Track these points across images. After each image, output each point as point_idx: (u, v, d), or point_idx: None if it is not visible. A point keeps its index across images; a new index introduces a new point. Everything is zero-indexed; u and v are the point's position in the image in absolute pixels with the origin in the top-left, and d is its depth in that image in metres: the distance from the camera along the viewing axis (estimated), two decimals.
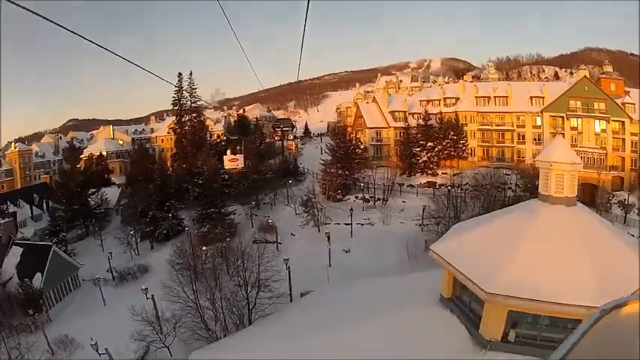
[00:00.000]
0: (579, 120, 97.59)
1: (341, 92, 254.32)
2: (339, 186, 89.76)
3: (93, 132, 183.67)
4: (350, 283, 52.83)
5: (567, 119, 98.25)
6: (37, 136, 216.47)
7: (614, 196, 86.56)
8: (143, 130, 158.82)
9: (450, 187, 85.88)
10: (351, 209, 78.49)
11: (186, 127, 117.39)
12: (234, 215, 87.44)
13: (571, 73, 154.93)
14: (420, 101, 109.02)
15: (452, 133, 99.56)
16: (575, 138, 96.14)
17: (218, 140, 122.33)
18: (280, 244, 75.90)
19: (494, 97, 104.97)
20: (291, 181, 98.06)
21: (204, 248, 66.72)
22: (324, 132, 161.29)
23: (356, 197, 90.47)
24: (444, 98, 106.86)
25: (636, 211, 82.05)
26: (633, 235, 70.74)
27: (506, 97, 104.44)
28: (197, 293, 48.72)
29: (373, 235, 75.65)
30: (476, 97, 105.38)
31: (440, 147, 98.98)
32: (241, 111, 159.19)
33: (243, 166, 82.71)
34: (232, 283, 51.52)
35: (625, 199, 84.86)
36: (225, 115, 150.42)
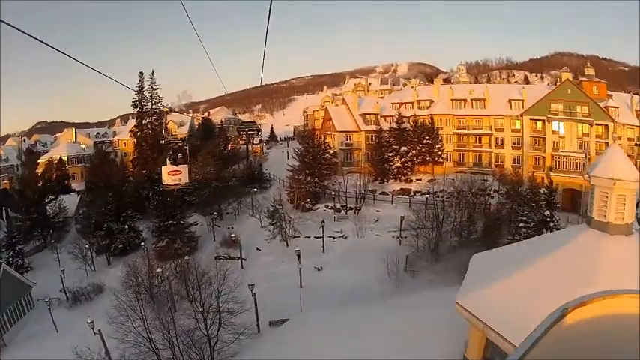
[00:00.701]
0: (561, 124, 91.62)
1: (307, 96, 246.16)
2: (307, 194, 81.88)
3: (58, 135, 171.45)
4: (328, 313, 44.88)
5: (548, 123, 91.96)
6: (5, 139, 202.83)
7: None
8: (106, 133, 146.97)
9: (428, 195, 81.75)
10: (322, 222, 70.84)
11: (147, 131, 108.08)
12: (195, 227, 79.60)
13: (541, 78, 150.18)
14: (393, 104, 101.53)
15: (427, 138, 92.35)
16: (556, 142, 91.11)
17: (180, 145, 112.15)
18: (245, 259, 67.85)
19: (471, 99, 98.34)
20: (255, 190, 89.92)
21: (158, 270, 58.56)
22: (290, 136, 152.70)
23: (326, 206, 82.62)
24: (418, 101, 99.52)
25: None
26: None
27: (484, 99, 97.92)
28: (150, 329, 40.57)
29: (347, 250, 68.46)
30: (451, 99, 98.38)
31: (414, 152, 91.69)
32: (206, 114, 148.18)
33: (187, 181, 73.02)
34: (192, 315, 43.47)
35: None
36: (192, 116, 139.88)
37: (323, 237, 68.75)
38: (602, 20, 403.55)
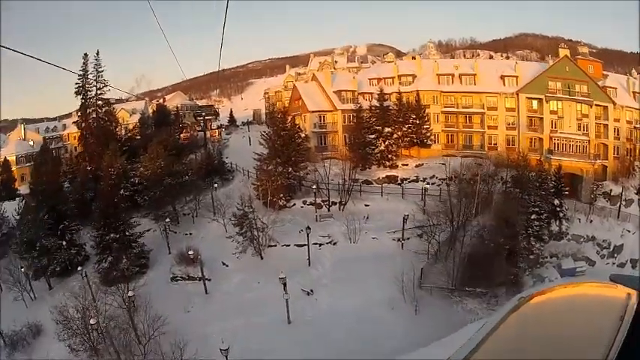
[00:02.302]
0: (560, 103, 78.32)
1: (265, 79, 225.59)
2: (280, 188, 64.40)
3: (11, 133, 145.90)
4: None
5: (547, 102, 78.35)
6: None
7: (598, 186, 72.81)
8: (55, 127, 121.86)
9: (425, 184, 68.69)
10: (308, 228, 53.29)
11: (91, 121, 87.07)
12: (145, 236, 62.61)
13: (507, 58, 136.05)
14: (370, 79, 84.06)
15: (413, 117, 76.24)
16: (555, 123, 77.96)
17: (130, 135, 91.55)
18: (209, 280, 49.59)
19: (460, 75, 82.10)
20: (216, 184, 71.93)
21: (92, 321, 40.77)
22: (249, 120, 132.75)
23: (304, 202, 66.28)
24: (399, 76, 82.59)
25: (624, 203, 68.78)
26: (629, 232, 63.09)
27: (474, 75, 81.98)
28: None
29: (340, 261, 52.59)
30: (437, 74, 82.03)
31: (399, 133, 75.51)
32: (161, 100, 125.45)
33: None
34: None
35: (610, 190, 72.15)
36: (145, 102, 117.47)
37: (308, 245, 50.46)
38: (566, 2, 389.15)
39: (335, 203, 64.87)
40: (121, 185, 70.23)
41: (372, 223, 59.76)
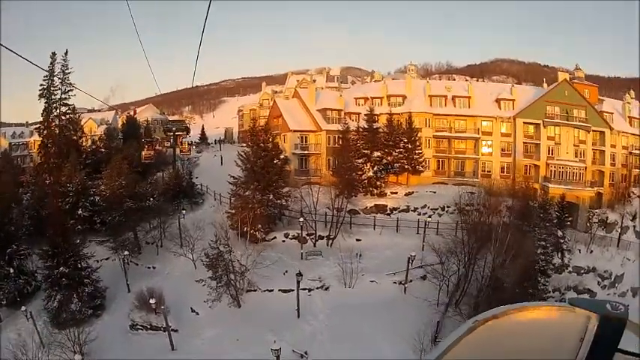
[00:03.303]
0: (557, 129, 71.85)
1: (238, 97, 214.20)
2: (259, 218, 53.99)
3: None
4: None
5: (544, 127, 71.57)
6: None
7: (594, 214, 66.99)
8: (22, 133, 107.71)
9: (419, 214, 61.84)
10: (299, 274, 42.97)
11: (53, 127, 75.31)
12: (100, 268, 52.11)
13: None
14: (357, 99, 75.28)
15: (405, 141, 67.34)
16: (552, 149, 71.41)
17: (95, 147, 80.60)
18: (175, 331, 39.90)
19: (453, 97, 74.09)
20: (184, 210, 61.70)
21: None
22: (222, 138, 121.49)
23: (286, 235, 56.60)
24: (389, 96, 73.84)
25: (618, 230, 63.63)
26: (629, 260, 57.72)
27: (468, 97, 74.32)
28: None
29: (336, 311, 43.81)
30: (430, 95, 73.86)
31: (390, 158, 66.83)
32: (132, 113, 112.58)
33: None
34: None
35: (606, 218, 66.26)
36: (115, 112, 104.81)
37: (297, 294, 40.50)
38: (539, 28, 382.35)
39: (322, 237, 55.68)
40: (79, 204, 60.06)
41: (366, 261, 50.92)
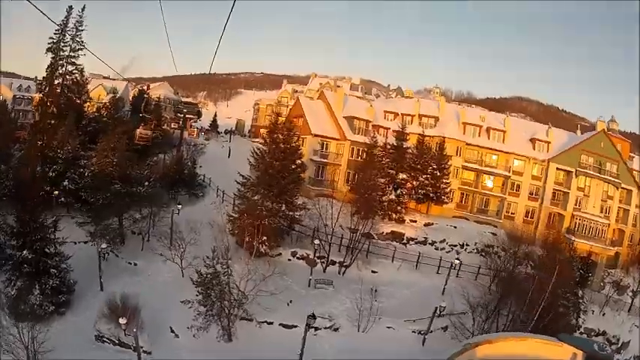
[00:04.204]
0: (588, 180, 61.33)
1: (255, 91, 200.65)
2: (267, 230, 40.99)
3: None
4: None
5: (576, 176, 60.82)
6: None
7: (608, 274, 58.01)
8: (29, 87, 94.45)
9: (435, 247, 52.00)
10: (312, 317, 28.82)
11: (56, 85, 61.27)
12: (74, 253, 39.17)
13: None
14: (386, 112, 62.63)
15: (433, 166, 55.35)
16: (580, 200, 60.77)
17: (98, 115, 65.71)
18: (148, 353, 30.34)
19: (488, 128, 62.26)
20: (180, 205, 47.19)
21: None
22: (232, 129, 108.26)
23: (294, 254, 43.91)
24: (421, 115, 61.36)
25: (630, 294, 55.39)
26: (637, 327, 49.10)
27: (503, 131, 62.36)
28: None
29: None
30: (464, 122, 61.61)
31: (415, 183, 54.86)
32: (145, 88, 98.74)
33: None
34: None
35: (620, 279, 56.71)
36: (127, 83, 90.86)
37: (304, 339, 28.10)
38: (563, 72, 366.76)
39: (334, 263, 43.42)
40: (66, 174, 47.96)
41: (382, 300, 38.70)
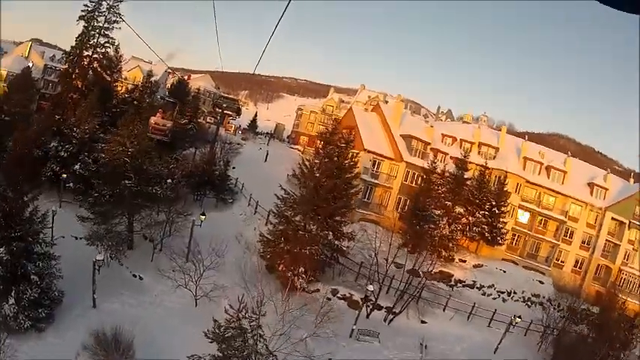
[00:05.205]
0: (639, 233, 47.41)
1: (297, 97, 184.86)
2: (308, 260, 27.63)
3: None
4: None
5: (629, 228, 47.21)
6: None
7: None
8: (61, 58, 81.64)
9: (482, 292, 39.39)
10: None
11: (85, 57, 47.97)
12: (60, 256, 25.35)
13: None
14: (444, 136, 48.72)
15: (493, 202, 41.80)
16: (629, 254, 47.57)
17: (126, 97, 49.67)
18: None
19: (548, 166, 48.59)
20: (204, 216, 32.09)
21: None
22: (271, 132, 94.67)
23: (334, 292, 30.82)
24: (480, 144, 47.66)
25: None
26: None
27: (564, 172, 48.71)
28: None
29: None
30: (525, 157, 48.03)
31: (471, 219, 41.35)
32: (186, 78, 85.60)
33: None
34: None
35: None
36: (167, 70, 77.32)
37: None
38: (602, 114, 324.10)
39: (380, 307, 30.32)
40: (80, 157, 35.44)
41: (432, 356, 27.01)
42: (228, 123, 67.25)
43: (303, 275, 28.41)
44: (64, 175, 35.45)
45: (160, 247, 30.88)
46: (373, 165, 42.26)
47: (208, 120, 64.93)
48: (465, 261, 41.13)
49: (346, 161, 31.96)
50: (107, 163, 30.73)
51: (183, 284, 25.81)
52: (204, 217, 29.85)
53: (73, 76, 47.83)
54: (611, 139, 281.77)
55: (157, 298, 27.58)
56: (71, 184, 35.77)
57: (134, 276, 29.52)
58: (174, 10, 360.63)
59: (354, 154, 34.51)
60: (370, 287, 25.70)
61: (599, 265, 47.88)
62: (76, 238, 30.57)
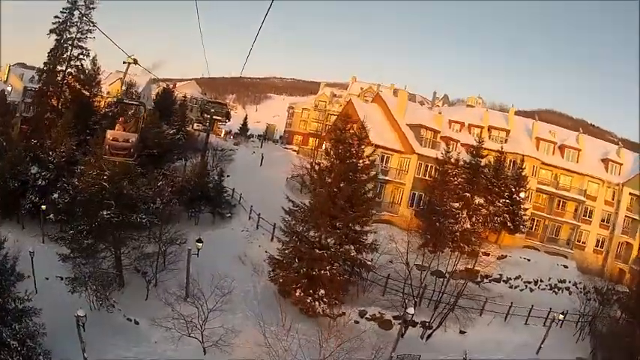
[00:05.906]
0: None
1: (285, 97, 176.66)
2: (329, 281, 21.75)
3: None
4: None
5: None
6: None
7: None
8: (33, 76, 73.61)
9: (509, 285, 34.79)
10: None
11: (60, 71, 41.32)
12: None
13: None
14: (451, 122, 42.59)
15: (513, 189, 36.36)
16: None
17: (108, 110, 41.91)
18: None
19: (562, 145, 43.16)
20: (201, 244, 24.37)
21: None
22: (263, 134, 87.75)
23: (362, 314, 24.94)
24: (490, 127, 41.92)
25: None
26: None
27: (578, 150, 43.35)
28: None
29: None
30: (537, 138, 42.55)
31: (491, 209, 35.76)
32: (171, 87, 77.88)
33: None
34: None
35: None
36: (150, 82, 70.34)
37: None
38: (594, 84, 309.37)
39: (415, 324, 24.84)
40: (57, 183, 29.46)
41: None
42: (218, 128, 61.16)
43: (325, 299, 22.76)
44: (44, 207, 29.45)
45: (154, 282, 24.88)
46: (382, 160, 36.13)
47: (196, 127, 58.54)
48: (488, 254, 35.25)
49: (361, 161, 26.15)
50: (82, 190, 24.50)
51: (186, 333, 19.94)
52: (200, 244, 23.82)
53: (48, 94, 41.58)
54: (602, 110, 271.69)
55: (158, 347, 21.73)
56: (52, 216, 29.85)
57: (128, 320, 23.45)
58: (154, 18, 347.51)
59: (370, 153, 28.59)
60: (410, 310, 20.17)
61: (619, 242, 42.86)
62: (62, 279, 24.82)
